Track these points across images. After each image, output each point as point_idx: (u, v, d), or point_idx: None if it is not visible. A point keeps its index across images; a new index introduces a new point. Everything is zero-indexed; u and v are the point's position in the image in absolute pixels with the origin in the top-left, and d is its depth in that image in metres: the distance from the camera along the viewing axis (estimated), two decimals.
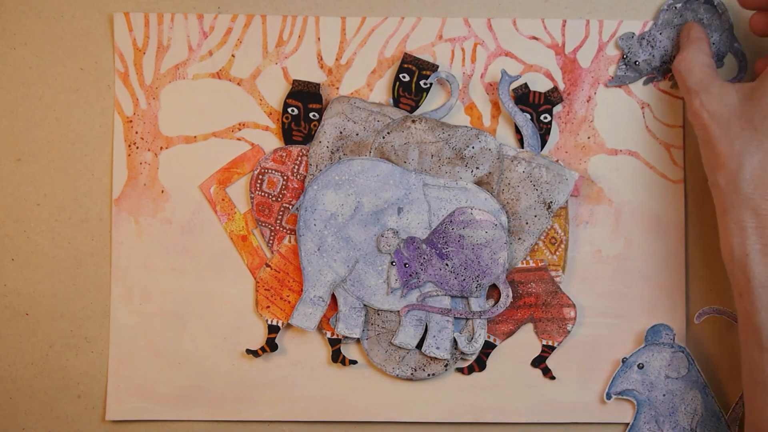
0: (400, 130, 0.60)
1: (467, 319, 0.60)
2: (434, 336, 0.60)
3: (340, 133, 0.60)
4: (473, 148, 0.59)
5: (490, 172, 0.59)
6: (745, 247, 0.52)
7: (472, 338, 0.60)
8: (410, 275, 0.58)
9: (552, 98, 0.62)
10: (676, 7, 0.62)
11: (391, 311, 0.60)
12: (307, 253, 0.59)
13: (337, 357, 0.61)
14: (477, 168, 0.59)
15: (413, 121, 0.60)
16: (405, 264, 0.57)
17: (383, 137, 0.60)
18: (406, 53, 0.62)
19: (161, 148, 0.62)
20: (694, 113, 0.56)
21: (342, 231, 0.56)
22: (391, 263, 0.57)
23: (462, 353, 0.61)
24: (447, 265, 0.57)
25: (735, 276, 0.53)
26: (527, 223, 0.60)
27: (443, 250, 0.56)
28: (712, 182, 0.55)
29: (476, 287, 0.59)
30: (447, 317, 0.60)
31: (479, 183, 0.60)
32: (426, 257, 0.56)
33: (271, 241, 0.61)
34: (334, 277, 0.59)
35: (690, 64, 0.57)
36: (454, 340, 0.60)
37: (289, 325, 0.62)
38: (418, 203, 0.56)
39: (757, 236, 0.52)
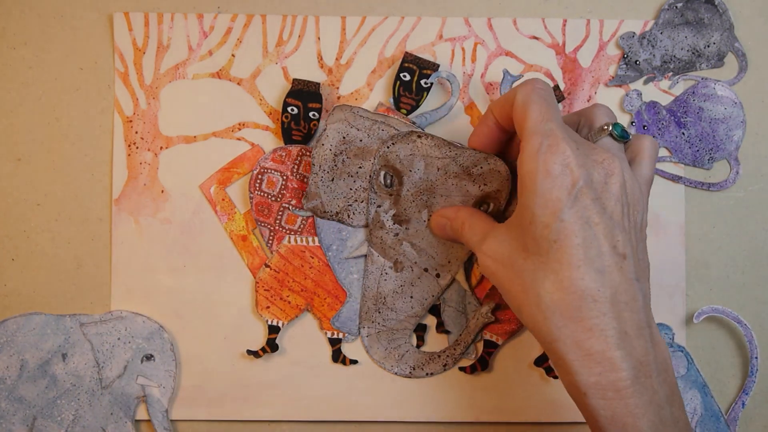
0: (405, 143, 0.58)
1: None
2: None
3: (343, 138, 0.59)
4: (481, 168, 0.58)
5: (498, 189, 0.57)
6: (578, 386, 0.46)
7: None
8: None
9: None
10: (677, 7, 0.62)
11: (392, 310, 0.60)
12: None
13: (338, 357, 0.61)
14: (485, 185, 0.57)
15: (419, 137, 0.58)
16: (644, 126, 0.59)
17: (388, 147, 0.59)
18: (407, 52, 0.61)
19: (161, 148, 0.62)
20: (482, 266, 0.52)
21: (13, 393, 0.54)
22: (631, 123, 0.59)
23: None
24: (683, 134, 0.58)
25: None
26: None
27: (682, 119, 0.58)
28: (526, 324, 0.49)
29: (708, 160, 0.60)
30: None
31: (486, 197, 0.57)
32: (664, 123, 0.57)
33: (270, 241, 0.61)
34: None
35: (464, 222, 0.55)
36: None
37: (289, 326, 0.62)
38: (80, 344, 0.54)
39: (586, 369, 0.46)
